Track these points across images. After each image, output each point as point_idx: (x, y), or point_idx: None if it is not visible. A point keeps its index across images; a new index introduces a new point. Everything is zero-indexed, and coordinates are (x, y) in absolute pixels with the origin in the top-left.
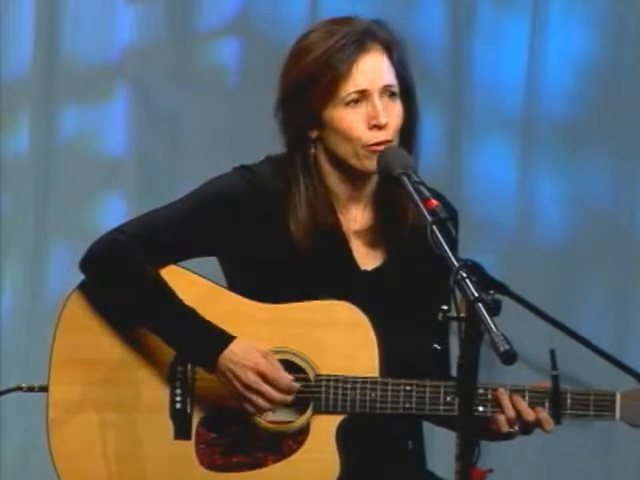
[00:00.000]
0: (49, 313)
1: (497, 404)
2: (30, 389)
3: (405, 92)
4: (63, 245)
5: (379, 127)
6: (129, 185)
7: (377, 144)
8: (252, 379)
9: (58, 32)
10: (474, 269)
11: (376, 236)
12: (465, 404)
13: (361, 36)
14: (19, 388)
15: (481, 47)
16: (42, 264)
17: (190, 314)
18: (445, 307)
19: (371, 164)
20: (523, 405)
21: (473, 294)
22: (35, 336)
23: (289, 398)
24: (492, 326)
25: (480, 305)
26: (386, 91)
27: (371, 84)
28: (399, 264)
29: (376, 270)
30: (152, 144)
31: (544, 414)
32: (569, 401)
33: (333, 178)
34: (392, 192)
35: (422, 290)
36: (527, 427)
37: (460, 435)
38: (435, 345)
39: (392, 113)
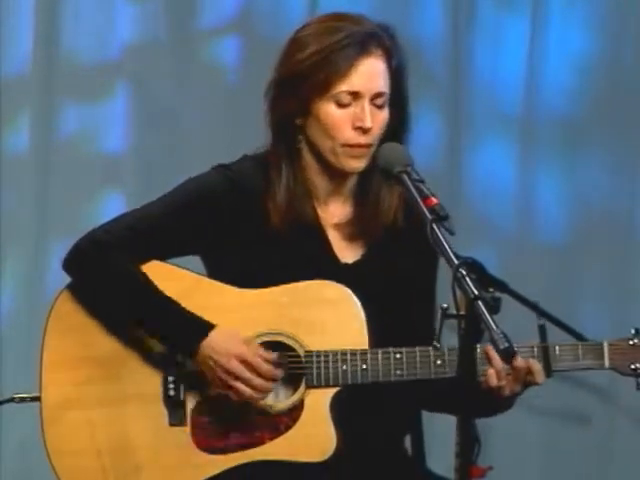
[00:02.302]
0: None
1: (485, 357)
2: (22, 400)
3: (398, 99)
4: (63, 243)
5: (364, 130)
6: (129, 183)
7: (357, 146)
8: (235, 366)
9: (58, 30)
10: (474, 267)
11: (355, 229)
12: (465, 402)
13: (365, 38)
14: (11, 399)
15: (481, 46)
16: (42, 263)
17: (172, 305)
18: (445, 305)
19: (347, 163)
20: None
21: (473, 292)
22: (35, 335)
23: (270, 386)
24: (492, 324)
25: (480, 303)
26: (376, 98)
27: (365, 88)
28: (380, 257)
29: (356, 263)
30: (152, 142)
31: (537, 365)
32: (558, 353)
33: (314, 170)
34: (373, 186)
35: (403, 283)
36: (518, 379)
37: (460, 433)
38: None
39: (377, 120)
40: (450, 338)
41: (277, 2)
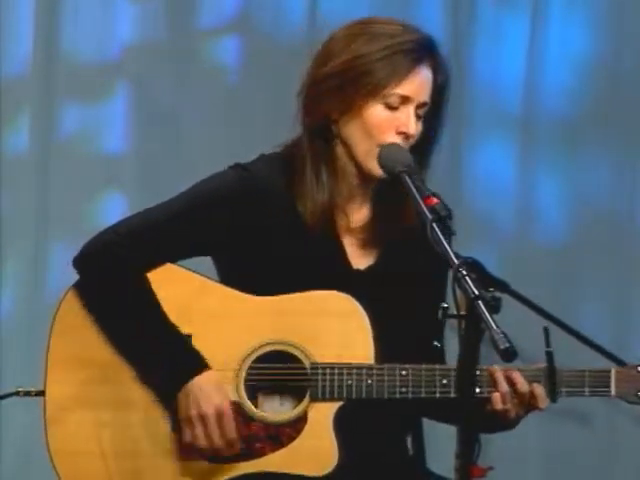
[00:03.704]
0: (49, 313)
1: (491, 380)
2: (27, 394)
3: (432, 116)
4: (63, 244)
5: (407, 136)
6: (129, 184)
7: None
8: (211, 413)
9: (58, 30)
10: (474, 267)
11: (369, 234)
12: (465, 402)
13: (423, 47)
14: (16, 393)
15: (481, 46)
16: (42, 263)
17: (167, 340)
18: (445, 305)
19: (375, 166)
20: (518, 377)
21: (473, 292)
22: (35, 336)
23: (225, 450)
24: (492, 324)
25: (480, 303)
26: (421, 107)
27: (416, 95)
28: (392, 263)
29: (369, 269)
30: (152, 143)
31: (540, 390)
32: (564, 379)
33: (346, 171)
34: (390, 191)
35: (415, 289)
36: (522, 403)
37: (460, 432)
38: (435, 343)
39: (417, 129)
40: (450, 338)
41: (277, 2)
